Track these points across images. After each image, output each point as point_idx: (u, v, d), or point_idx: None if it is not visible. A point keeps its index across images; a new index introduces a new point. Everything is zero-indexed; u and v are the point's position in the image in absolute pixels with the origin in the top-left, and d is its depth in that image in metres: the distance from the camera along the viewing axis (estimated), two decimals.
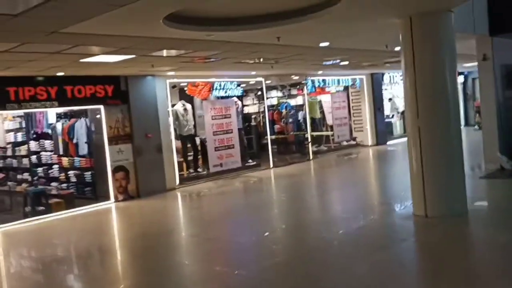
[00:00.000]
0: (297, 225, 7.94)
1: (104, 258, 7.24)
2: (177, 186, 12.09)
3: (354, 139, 18.13)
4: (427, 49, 6.98)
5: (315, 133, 17.10)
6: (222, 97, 13.62)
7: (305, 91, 16.43)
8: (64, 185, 11.75)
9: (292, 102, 18.06)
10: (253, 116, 18.24)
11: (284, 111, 17.59)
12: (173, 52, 8.51)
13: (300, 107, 17.60)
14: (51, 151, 12.03)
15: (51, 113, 11.90)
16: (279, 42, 7.87)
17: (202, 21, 6.33)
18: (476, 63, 11.13)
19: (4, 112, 11.80)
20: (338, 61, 12.58)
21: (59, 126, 11.79)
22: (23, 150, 12.39)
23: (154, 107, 11.60)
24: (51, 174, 12.04)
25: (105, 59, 8.24)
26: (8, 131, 13.03)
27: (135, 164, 11.19)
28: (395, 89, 19.91)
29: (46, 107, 10.08)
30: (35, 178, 11.90)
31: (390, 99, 20.17)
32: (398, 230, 7.08)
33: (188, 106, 13.13)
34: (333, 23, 6.97)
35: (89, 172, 11.44)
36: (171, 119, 12.32)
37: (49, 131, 12.09)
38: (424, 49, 6.97)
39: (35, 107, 9.89)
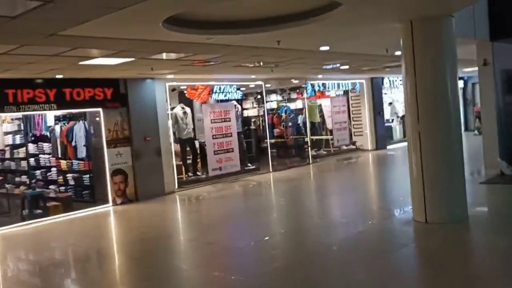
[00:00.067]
0: (297, 229, 7.89)
1: (102, 262, 7.19)
2: (176, 189, 12.04)
3: (354, 143, 18.10)
4: (428, 53, 6.96)
5: (314, 137, 17.07)
6: (222, 101, 13.60)
7: (305, 95, 16.42)
8: (62, 188, 11.70)
9: (292, 106, 18.05)
10: (252, 120, 18.20)
11: (283, 115, 17.57)
12: (173, 55, 8.48)
13: (300, 111, 17.59)
14: (49, 153, 11.97)
15: (50, 115, 11.85)
16: (279, 46, 7.86)
17: (202, 24, 6.30)
18: (476, 68, 11.12)
19: (3, 115, 11.78)
20: (338, 65, 12.57)
21: (57, 129, 11.74)
22: (21, 152, 12.31)
23: (153, 110, 11.56)
24: (49, 177, 11.98)
25: (104, 61, 8.21)
26: (7, 133, 12.94)
27: (134, 167, 11.15)
28: (395, 93, 19.90)
29: (44, 110, 10.03)
30: (33, 181, 11.85)
31: (390, 103, 20.16)
32: (398, 235, 7.03)
33: (188, 109, 13.10)
34: (334, 27, 6.95)
35: (88, 175, 11.39)
36: (170, 123, 12.29)
37: (48, 134, 12.03)
38: (425, 54, 6.94)
39: (34, 110, 9.85)
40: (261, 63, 10.37)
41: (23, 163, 12.22)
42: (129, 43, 6.72)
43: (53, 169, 11.94)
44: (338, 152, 17.38)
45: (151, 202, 10.94)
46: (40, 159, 12.10)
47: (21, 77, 9.28)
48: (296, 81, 16.25)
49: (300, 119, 17.42)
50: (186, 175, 12.89)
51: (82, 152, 11.32)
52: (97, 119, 10.91)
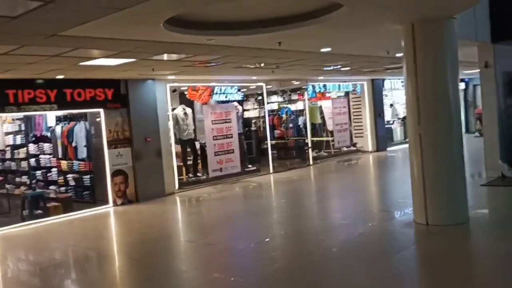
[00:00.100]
0: (297, 231, 7.88)
1: (102, 263, 7.17)
2: (176, 190, 12.03)
3: (354, 145, 18.08)
4: (429, 55, 6.95)
5: (315, 139, 17.05)
6: (223, 102, 13.59)
7: (306, 96, 16.40)
8: (63, 188, 11.69)
9: (293, 107, 18.03)
10: (253, 121, 18.19)
11: (284, 116, 17.56)
12: (174, 56, 8.47)
13: (301, 112, 17.57)
14: (50, 154, 11.98)
15: (51, 116, 11.85)
16: (280, 47, 7.84)
17: (203, 25, 6.29)
18: (477, 70, 11.10)
19: (3, 115, 11.79)
20: (339, 66, 12.56)
21: (58, 129, 11.74)
22: (22, 153, 12.33)
23: (154, 111, 11.55)
24: (49, 178, 11.98)
25: (105, 62, 8.20)
26: (7, 133, 12.97)
27: (134, 168, 11.14)
28: (395, 95, 19.89)
29: (45, 110, 10.04)
30: (34, 181, 11.86)
31: (391, 105, 20.16)
32: (398, 237, 7.02)
33: (188, 110, 13.09)
34: (335, 29, 6.94)
35: (88, 176, 11.38)
36: (171, 123, 12.28)
37: (48, 134, 12.03)
38: (426, 56, 6.94)
39: (35, 110, 9.84)
40: (262, 64, 10.36)
41: (24, 164, 12.24)
42: (130, 43, 6.71)
43: (54, 169, 11.94)
44: (338, 154, 17.36)
45: (152, 203, 10.93)
46: (41, 159, 12.11)
47: (21, 77, 9.27)
48: (297, 83, 16.24)
49: (300, 120, 17.40)
50: (187, 176, 12.88)
51: (82, 153, 11.32)
52: (98, 119, 10.91)
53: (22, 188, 11.83)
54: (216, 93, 13.30)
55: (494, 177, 10.13)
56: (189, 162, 13.04)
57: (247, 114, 18.51)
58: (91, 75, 9.87)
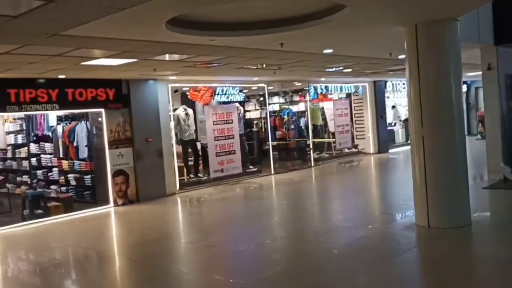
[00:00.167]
0: (298, 233, 7.85)
1: (102, 264, 7.15)
2: (177, 191, 12.01)
3: (356, 146, 18.05)
4: (432, 57, 6.92)
5: (316, 140, 17.03)
6: (224, 102, 13.57)
7: (308, 98, 16.38)
8: (64, 188, 11.68)
9: (294, 108, 18.01)
10: (254, 122, 18.17)
11: (286, 117, 17.54)
12: (176, 57, 8.45)
13: (302, 114, 17.55)
14: (51, 154, 11.97)
15: (52, 115, 11.84)
16: (283, 48, 7.82)
17: (205, 26, 6.27)
18: (479, 73, 11.07)
19: (5, 114, 11.78)
20: (341, 68, 12.53)
21: (59, 129, 11.74)
22: (23, 152, 12.33)
23: (155, 111, 11.54)
24: (50, 177, 11.98)
25: (106, 62, 8.19)
26: (9, 133, 12.98)
27: (135, 168, 11.12)
28: (398, 97, 19.86)
29: (47, 110, 10.01)
30: (35, 180, 11.84)
31: (393, 107, 20.14)
32: (400, 240, 6.98)
33: (190, 111, 13.08)
34: (337, 30, 6.91)
35: (89, 176, 11.36)
36: (172, 124, 12.27)
37: (50, 134, 12.03)
38: (429, 58, 6.91)
39: (36, 110, 9.82)
40: (264, 65, 10.35)
41: (25, 163, 12.25)
42: (132, 44, 6.69)
43: (55, 169, 11.93)
44: (340, 155, 17.34)
45: (152, 204, 10.91)
46: (42, 159, 12.10)
47: (23, 76, 9.26)
48: (299, 84, 16.23)
49: (302, 121, 17.39)
50: (188, 177, 12.86)
51: (83, 153, 11.30)
52: (99, 119, 10.90)
53: (23, 187, 11.83)
54: (218, 94, 13.29)
55: (496, 180, 10.10)
56: (190, 163, 13.03)
57: (248, 115, 18.50)
58: (92, 75, 9.85)
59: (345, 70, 13.11)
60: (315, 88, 16.23)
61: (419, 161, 7.04)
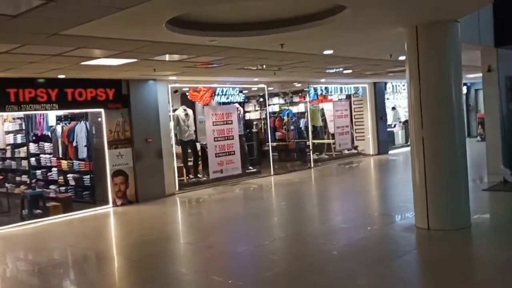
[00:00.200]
0: (297, 234, 7.83)
1: (101, 264, 7.13)
2: (176, 191, 12.00)
3: (356, 148, 18.05)
4: (433, 59, 6.91)
5: (316, 141, 17.01)
6: (224, 103, 13.56)
7: (307, 99, 16.38)
8: (63, 188, 11.66)
9: (294, 109, 18.01)
10: (254, 123, 18.18)
11: (285, 118, 17.53)
12: (176, 57, 8.44)
13: (302, 115, 17.54)
14: (50, 153, 11.96)
15: (51, 115, 11.83)
16: (283, 49, 7.80)
17: (205, 26, 6.26)
18: (479, 75, 11.06)
19: (4, 114, 11.76)
20: (341, 69, 12.52)
21: (59, 129, 11.72)
22: (22, 152, 12.32)
23: (155, 111, 11.52)
24: (49, 177, 11.96)
25: (106, 62, 8.18)
26: (8, 132, 12.96)
27: (135, 168, 11.10)
28: (397, 98, 19.86)
29: (46, 110, 9.99)
30: (34, 180, 11.83)
31: (393, 108, 20.13)
32: (400, 242, 6.96)
33: (190, 111, 13.06)
34: (338, 31, 6.90)
35: (88, 176, 11.35)
36: (172, 124, 12.25)
37: (49, 134, 12.01)
38: (430, 59, 6.90)
39: (35, 109, 9.81)
40: (264, 66, 10.34)
41: (24, 163, 12.23)
42: (132, 44, 6.68)
43: (54, 169, 11.92)
44: (339, 157, 17.33)
45: (152, 204, 10.89)
46: (41, 159, 12.09)
47: (22, 76, 9.24)
48: (299, 85, 16.22)
49: (302, 122, 17.38)
50: (187, 177, 12.84)
51: (83, 153, 11.29)
52: (99, 119, 10.88)
53: (22, 187, 11.82)
54: (218, 95, 13.28)
55: (496, 182, 10.09)
56: (190, 163, 13.01)
57: (248, 116, 18.50)
58: (92, 75, 9.84)
59: (345, 71, 13.10)
60: (315, 89, 16.22)
61: (419, 163, 7.02)
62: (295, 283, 5.45)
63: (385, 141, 18.13)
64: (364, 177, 14.63)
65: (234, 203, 11.28)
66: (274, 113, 18.26)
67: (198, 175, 13.06)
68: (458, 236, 6.74)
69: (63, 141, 11.55)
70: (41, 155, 12.10)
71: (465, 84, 21.63)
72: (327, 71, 12.66)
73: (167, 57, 8.29)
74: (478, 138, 19.58)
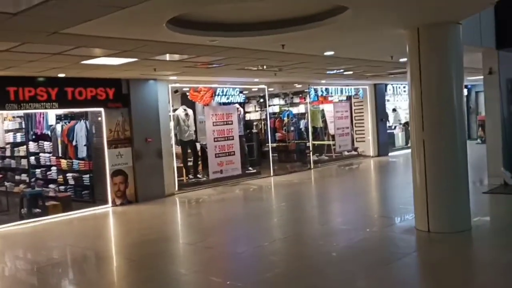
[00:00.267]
0: (297, 235, 7.81)
1: (100, 264, 7.11)
2: (176, 191, 11.98)
3: (356, 149, 18.03)
4: (434, 60, 6.89)
5: (316, 142, 16.99)
6: (224, 103, 13.54)
7: (308, 100, 16.36)
8: (62, 187, 11.64)
9: (294, 110, 17.99)
10: (254, 123, 18.15)
11: (286, 119, 17.51)
12: (176, 57, 8.43)
13: (302, 116, 17.52)
14: (50, 152, 11.94)
15: (51, 114, 11.82)
16: (284, 50, 7.79)
17: (206, 26, 6.24)
18: (479, 77, 11.04)
19: (4, 112, 11.74)
20: (342, 70, 12.50)
21: (58, 128, 11.70)
22: (22, 150, 12.30)
23: (155, 111, 11.50)
24: (49, 176, 11.94)
25: (107, 61, 8.16)
26: (8, 131, 12.95)
27: (134, 168, 11.08)
28: (398, 100, 19.85)
29: (46, 108, 9.98)
30: (33, 179, 11.81)
31: (394, 110, 20.12)
32: (399, 244, 6.94)
33: (190, 111, 13.04)
34: (339, 32, 6.89)
35: (88, 175, 11.32)
36: (172, 124, 12.23)
37: (49, 133, 12.00)
38: (431, 61, 6.88)
39: (35, 108, 9.79)
40: (265, 67, 10.32)
41: (23, 162, 12.21)
42: (132, 43, 6.66)
43: (53, 168, 11.90)
44: (339, 158, 17.31)
45: (151, 204, 10.87)
46: (41, 157, 12.07)
47: (22, 75, 9.22)
48: (299, 86, 16.20)
49: (302, 123, 17.36)
50: (187, 178, 12.82)
51: (82, 152, 11.26)
52: (99, 119, 10.86)
53: (21, 186, 11.81)
54: (218, 95, 13.26)
55: (497, 185, 10.07)
56: (190, 164, 12.99)
57: (248, 117, 18.48)
58: (92, 74, 9.82)
59: (345, 73, 13.08)
60: (316, 90, 16.21)
61: (419, 165, 7.00)
62: (295, 285, 5.43)
63: (385, 142, 18.11)
64: (364, 178, 14.61)
65: (234, 203, 11.26)
66: (274, 114, 18.24)
67: (198, 175, 13.04)
68: (458, 239, 6.72)
69: (63, 140, 11.53)
70: (40, 154, 12.08)
71: (465, 86, 21.61)
72: (328, 72, 12.65)
73: (167, 56, 8.28)
74: (478, 140, 19.57)
